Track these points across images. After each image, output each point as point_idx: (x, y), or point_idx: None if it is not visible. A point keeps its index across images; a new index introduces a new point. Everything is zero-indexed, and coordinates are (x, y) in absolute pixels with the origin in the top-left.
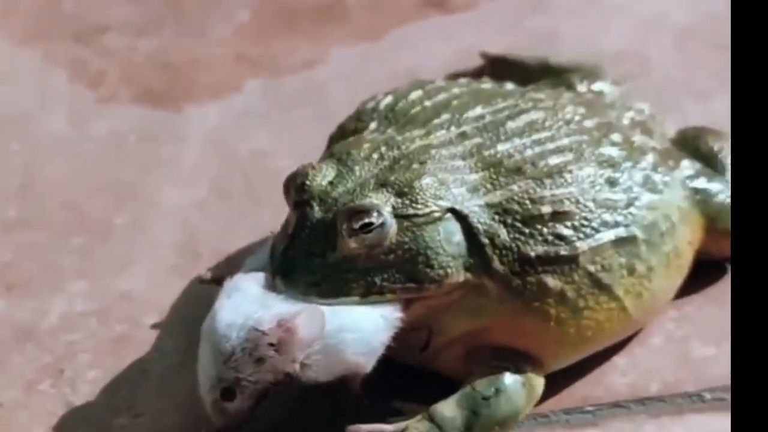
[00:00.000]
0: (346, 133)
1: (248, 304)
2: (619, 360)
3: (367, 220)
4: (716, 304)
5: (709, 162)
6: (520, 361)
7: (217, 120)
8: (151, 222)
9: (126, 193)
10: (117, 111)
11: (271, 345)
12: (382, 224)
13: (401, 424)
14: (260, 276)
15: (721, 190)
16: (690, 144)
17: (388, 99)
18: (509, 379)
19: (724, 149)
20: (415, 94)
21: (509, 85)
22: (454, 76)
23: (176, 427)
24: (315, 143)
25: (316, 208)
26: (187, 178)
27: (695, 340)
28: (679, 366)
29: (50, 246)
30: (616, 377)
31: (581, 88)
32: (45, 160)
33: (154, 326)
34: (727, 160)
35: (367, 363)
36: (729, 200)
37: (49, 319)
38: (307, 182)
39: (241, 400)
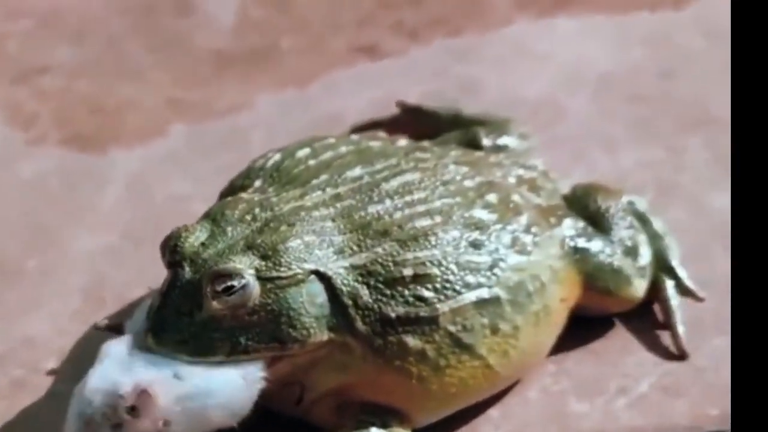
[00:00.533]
0: (235, 189)
1: (114, 370)
2: (493, 412)
3: (229, 283)
4: (596, 359)
5: (595, 220)
6: (386, 416)
7: (139, 165)
8: (60, 267)
9: (41, 237)
10: (44, 154)
11: (130, 409)
12: (244, 287)
13: None
14: (132, 338)
15: (601, 249)
16: (580, 201)
17: (277, 157)
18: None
19: (611, 208)
20: (303, 152)
21: (402, 142)
22: (359, 129)
23: None
24: None
25: (187, 269)
26: (102, 223)
27: (571, 395)
28: (551, 420)
29: None
30: (489, 429)
31: (486, 141)
32: None
33: (50, 372)
34: (614, 220)
35: (231, 422)
36: (608, 260)
37: None
38: (179, 243)
39: None
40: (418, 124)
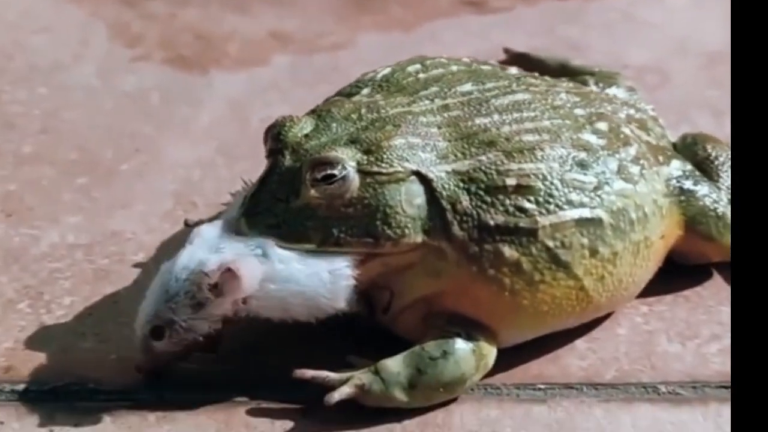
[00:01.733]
0: (342, 96)
1: (203, 250)
2: (579, 344)
3: (329, 172)
4: (690, 305)
5: (703, 167)
6: (473, 329)
7: (239, 89)
8: (154, 173)
9: (137, 145)
10: (146, 70)
11: (212, 287)
12: (344, 177)
13: (346, 374)
14: (223, 223)
15: (707, 194)
16: (689, 148)
17: (387, 70)
18: (459, 343)
19: (721, 157)
20: (413, 68)
21: (513, 70)
22: None
23: (133, 355)
24: None
25: (288, 157)
26: (197, 137)
27: (662, 336)
28: (639, 357)
29: (55, 182)
30: (573, 360)
31: (594, 89)
32: (68, 106)
33: (136, 264)
34: (723, 168)
35: (311, 316)
36: (714, 205)
37: (39, 247)
38: (283, 132)
39: (167, 343)
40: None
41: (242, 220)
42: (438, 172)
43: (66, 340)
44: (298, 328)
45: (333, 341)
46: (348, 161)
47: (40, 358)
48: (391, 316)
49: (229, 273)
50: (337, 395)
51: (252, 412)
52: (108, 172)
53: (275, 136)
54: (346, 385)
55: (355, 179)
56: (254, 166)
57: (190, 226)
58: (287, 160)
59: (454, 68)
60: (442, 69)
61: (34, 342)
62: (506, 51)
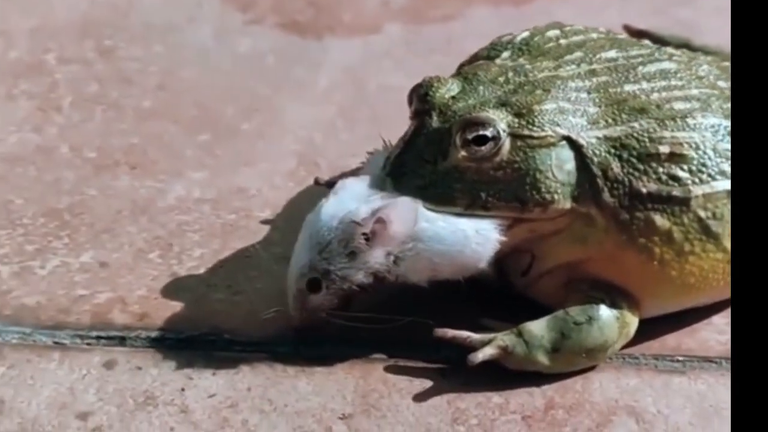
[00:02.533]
0: (479, 60)
1: (351, 200)
2: (717, 319)
3: (481, 133)
4: None
5: None
6: (617, 296)
7: (353, 55)
8: (275, 132)
9: (256, 105)
10: (261, 33)
11: (365, 236)
12: (495, 139)
13: (488, 336)
14: (369, 178)
15: None
16: None
17: (525, 33)
18: (604, 310)
19: None
20: (553, 32)
21: (647, 42)
22: None
23: (268, 307)
24: None
25: (435, 118)
26: (316, 100)
27: None
28: None
29: (177, 138)
30: (711, 334)
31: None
32: (185, 65)
33: (264, 221)
34: None
35: (457, 275)
36: None
37: (165, 200)
38: (430, 93)
39: (325, 295)
40: None
41: (388, 180)
42: (589, 138)
43: (198, 290)
44: (427, 292)
45: (464, 304)
46: (499, 123)
47: (173, 307)
48: (530, 280)
49: (381, 223)
50: (480, 355)
51: (390, 369)
52: (229, 130)
53: (422, 97)
54: (489, 346)
55: (506, 142)
56: (375, 130)
57: (321, 184)
58: (435, 121)
59: (594, 35)
60: (581, 35)
61: (166, 291)
62: (626, 28)
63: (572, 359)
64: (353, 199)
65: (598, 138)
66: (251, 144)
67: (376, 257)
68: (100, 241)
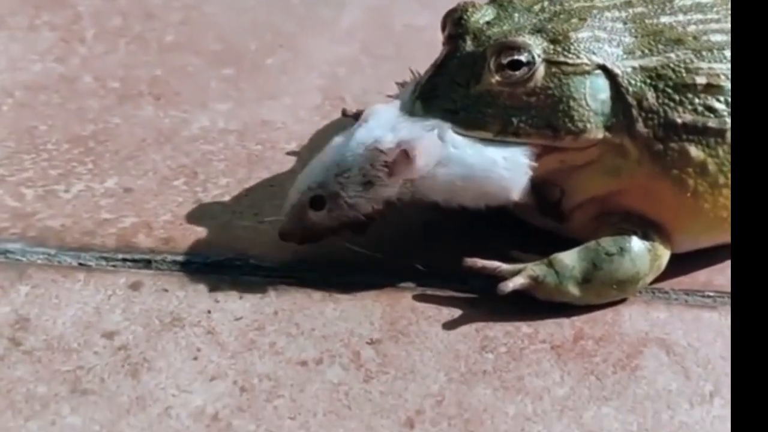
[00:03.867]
0: None
1: (378, 128)
2: None
3: (515, 57)
4: None
5: None
6: (649, 228)
7: None
8: (299, 67)
9: (280, 41)
10: None
11: (386, 166)
12: (529, 64)
13: (518, 266)
14: (399, 104)
15: None
16: None
17: None
18: (636, 241)
19: None
20: None
21: None
22: None
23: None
24: None
25: (469, 42)
26: (341, 38)
27: None
28: None
29: (201, 71)
30: None
31: None
32: (208, 1)
33: (289, 152)
34: None
35: (474, 202)
36: None
37: (190, 129)
38: (465, 17)
39: (326, 215)
40: None
41: (417, 102)
42: (624, 67)
43: (224, 217)
44: (455, 225)
45: (492, 238)
46: (534, 48)
47: (199, 232)
48: (559, 215)
49: (404, 153)
50: (511, 284)
51: (418, 298)
52: (253, 64)
53: (456, 21)
54: (519, 275)
55: (540, 68)
56: (400, 67)
57: (348, 116)
58: (468, 45)
59: None
60: None
61: (191, 217)
62: None
63: (603, 291)
64: (381, 127)
65: (634, 68)
66: (275, 79)
67: (393, 188)
68: (125, 167)
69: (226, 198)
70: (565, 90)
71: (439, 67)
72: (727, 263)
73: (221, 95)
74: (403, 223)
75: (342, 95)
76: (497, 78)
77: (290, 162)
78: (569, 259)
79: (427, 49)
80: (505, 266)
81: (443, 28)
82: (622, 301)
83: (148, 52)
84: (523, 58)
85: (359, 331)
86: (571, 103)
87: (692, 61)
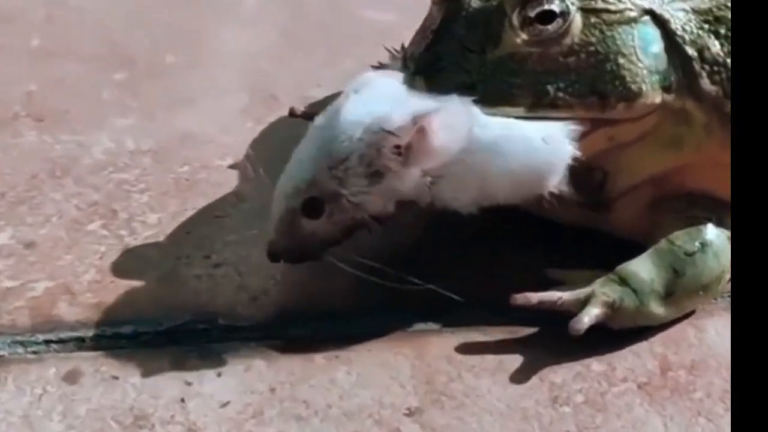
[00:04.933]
0: None
1: (380, 102)
2: None
3: (546, 7)
4: None
5: None
6: (723, 211)
7: None
8: (211, 64)
9: (176, 33)
10: None
11: (398, 150)
12: (563, 14)
13: (583, 290)
14: (398, 75)
15: None
16: None
17: None
18: (713, 231)
19: None
20: None
21: None
22: None
23: (265, 278)
24: None
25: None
26: (249, 22)
27: None
28: None
29: (84, 79)
30: None
31: None
32: None
33: (228, 170)
34: None
35: (509, 196)
36: None
37: (91, 156)
38: None
39: (325, 223)
40: None
41: (418, 79)
42: (676, 12)
43: (166, 266)
44: (453, 236)
45: (511, 248)
46: None
47: (138, 291)
48: (600, 204)
49: (421, 132)
50: (586, 320)
51: (448, 342)
52: (150, 65)
53: None
54: (591, 305)
55: (576, 18)
56: (333, 53)
57: (297, 116)
58: (470, 3)
59: None
60: None
61: (123, 271)
62: None
63: (687, 301)
64: (381, 100)
65: (686, 11)
66: (183, 79)
67: (409, 180)
68: (17, 214)
69: (162, 239)
70: (610, 44)
71: (439, 32)
72: None
73: (119, 107)
74: (393, 238)
75: (272, 92)
76: (524, 36)
77: (231, 183)
78: (644, 270)
79: (358, 26)
80: (566, 296)
81: None
82: (692, 312)
83: (12, 62)
84: (555, 7)
85: (389, 399)
86: (620, 60)
87: None
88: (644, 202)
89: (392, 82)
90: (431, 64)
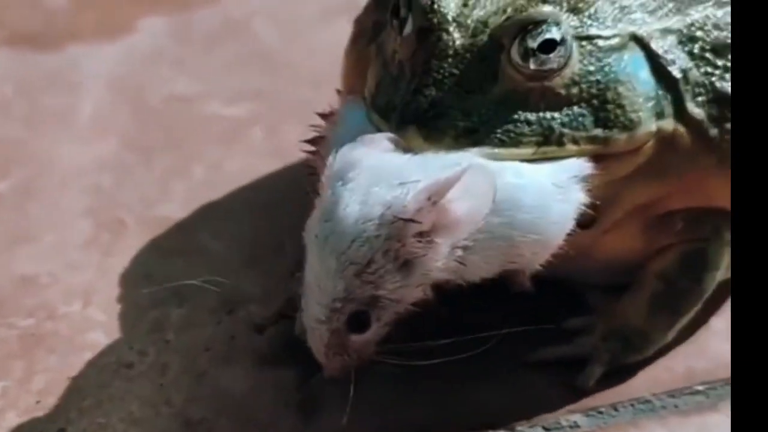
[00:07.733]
0: None
1: (378, 185)
2: None
3: (547, 36)
4: None
5: None
6: (719, 220)
7: (113, 64)
8: (49, 187)
9: (8, 154)
10: None
11: (421, 235)
12: (563, 42)
13: (586, 341)
14: (381, 139)
15: None
16: None
17: None
18: (712, 252)
19: None
20: None
21: None
22: None
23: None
24: (252, 84)
25: (456, 35)
26: (87, 133)
27: None
28: None
29: None
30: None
31: None
32: None
33: (82, 319)
34: None
35: (533, 257)
36: None
37: None
38: (437, 2)
39: (375, 329)
40: None
41: (412, 130)
42: (656, 33)
43: None
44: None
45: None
46: (562, 18)
47: None
48: (593, 236)
49: (442, 208)
50: (591, 382)
51: None
52: None
53: (427, 9)
54: (594, 364)
55: (573, 45)
56: (181, 158)
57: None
58: (457, 38)
59: None
60: None
61: None
62: None
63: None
64: (381, 182)
65: (661, 31)
66: (15, 210)
67: (440, 257)
68: None
69: (10, 414)
70: (608, 73)
71: (425, 76)
72: (701, 341)
73: None
74: None
75: (119, 216)
76: (524, 70)
77: (91, 335)
78: (643, 320)
79: (206, 125)
80: (566, 349)
81: (394, 15)
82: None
83: None
84: (555, 35)
85: None
86: (620, 89)
87: (715, 16)
88: (637, 228)
89: (373, 153)
90: (425, 110)
